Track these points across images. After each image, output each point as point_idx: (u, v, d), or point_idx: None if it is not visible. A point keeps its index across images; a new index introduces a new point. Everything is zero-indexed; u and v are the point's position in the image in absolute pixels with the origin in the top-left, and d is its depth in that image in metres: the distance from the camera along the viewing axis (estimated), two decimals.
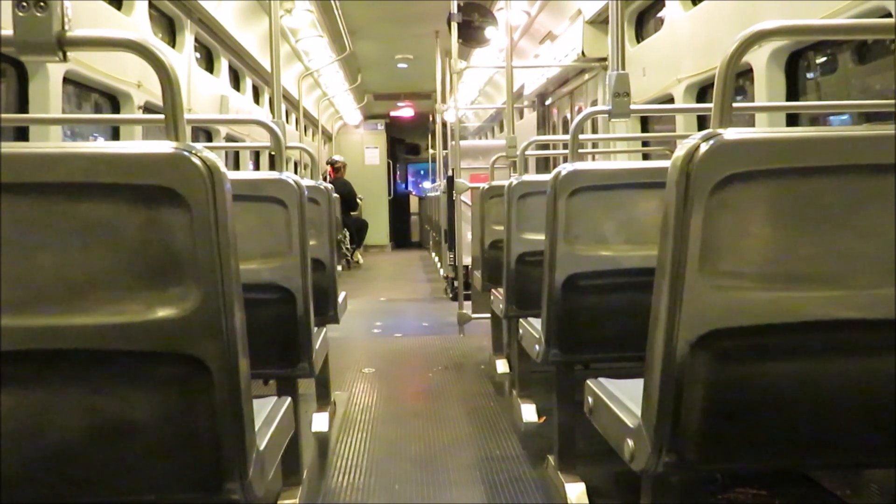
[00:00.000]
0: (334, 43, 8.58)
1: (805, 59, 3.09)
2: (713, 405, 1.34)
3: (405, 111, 15.40)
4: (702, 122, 4.00)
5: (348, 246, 10.99)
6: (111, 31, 1.18)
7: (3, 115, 2.84)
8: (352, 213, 11.30)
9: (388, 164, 16.00)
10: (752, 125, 3.21)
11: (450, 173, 6.64)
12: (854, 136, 1.32)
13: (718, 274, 1.27)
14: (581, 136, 2.40)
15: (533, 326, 2.51)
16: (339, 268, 11.08)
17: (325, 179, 10.63)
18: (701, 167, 1.23)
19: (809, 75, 3.12)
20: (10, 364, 1.14)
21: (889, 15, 2.19)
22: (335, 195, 3.68)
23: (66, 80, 3.27)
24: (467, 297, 5.64)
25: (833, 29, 1.79)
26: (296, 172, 8.80)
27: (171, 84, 1.16)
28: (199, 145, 1.16)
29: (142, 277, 1.15)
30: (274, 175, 2.19)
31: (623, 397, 1.61)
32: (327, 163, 11.58)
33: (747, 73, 3.22)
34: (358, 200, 11.85)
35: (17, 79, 3.00)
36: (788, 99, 3.08)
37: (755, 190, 1.26)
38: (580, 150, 2.40)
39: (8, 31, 1.12)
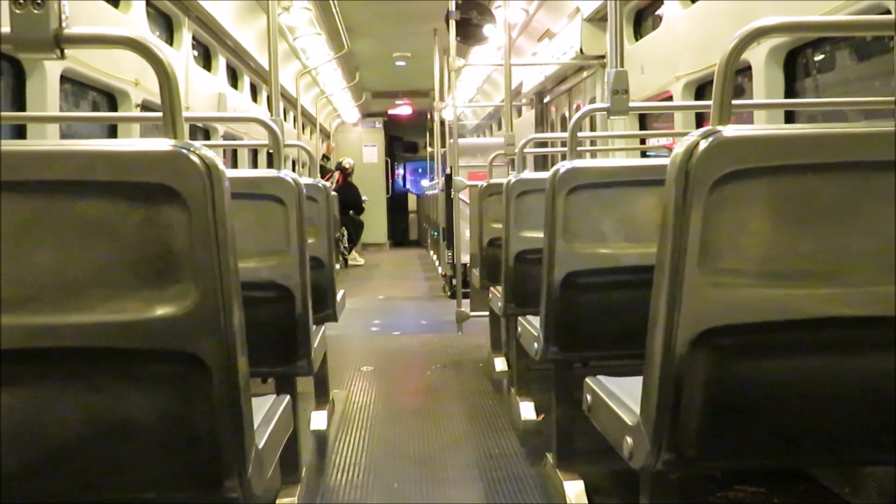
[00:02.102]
0: (332, 41, 8.57)
1: (804, 57, 3.09)
2: (712, 402, 1.34)
3: (403, 109, 15.39)
4: (700, 120, 4.00)
5: (346, 244, 10.97)
6: (109, 29, 1.18)
7: (1, 114, 2.83)
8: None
9: (386, 162, 15.98)
10: (750, 124, 3.21)
11: (448, 171, 6.63)
12: (853, 133, 1.32)
13: (718, 271, 1.27)
14: (579, 134, 2.39)
15: (531, 324, 2.50)
16: (337, 266, 11.05)
17: (331, 182, 10.64)
18: (700, 164, 1.23)
19: (808, 73, 3.12)
20: (8, 363, 1.14)
21: (888, 12, 2.19)
22: (334, 194, 3.68)
23: (64, 79, 3.26)
24: (466, 296, 5.64)
25: (832, 25, 1.79)
26: (293, 171, 8.79)
27: (169, 81, 1.15)
28: (197, 143, 1.16)
29: (140, 275, 1.15)
30: (272, 173, 2.18)
31: (622, 395, 1.61)
32: (336, 168, 11.34)
33: (745, 70, 3.22)
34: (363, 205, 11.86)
35: (14, 77, 2.99)
36: (787, 97, 3.08)
37: (755, 187, 1.26)
38: (578, 148, 2.40)
39: (5, 29, 1.12)
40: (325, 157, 11.81)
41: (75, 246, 1.13)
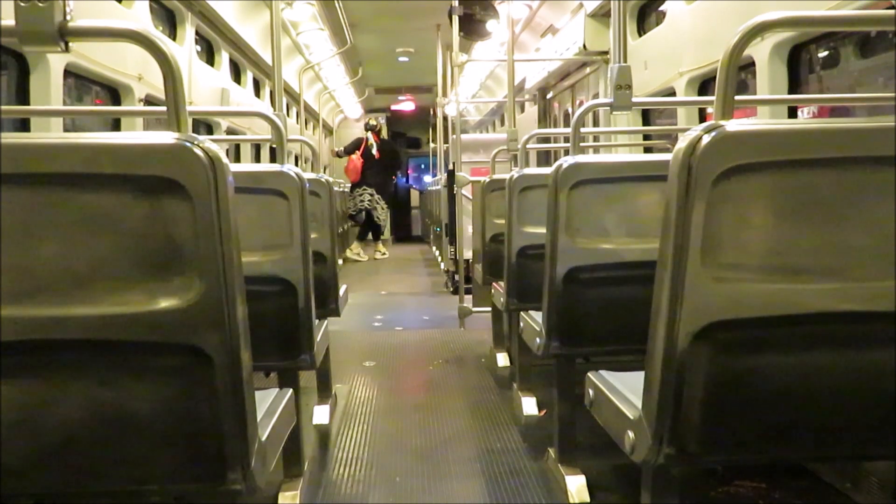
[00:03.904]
0: (335, 36, 8.57)
1: (807, 53, 3.09)
2: (714, 397, 1.34)
3: (406, 105, 15.39)
4: (703, 117, 3.99)
5: (380, 213, 10.65)
6: (113, 22, 1.18)
7: (4, 108, 2.83)
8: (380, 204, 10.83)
9: None
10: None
11: (451, 167, 6.63)
12: (856, 129, 1.32)
13: (719, 266, 1.27)
14: (582, 130, 2.39)
15: (534, 319, 2.51)
16: (381, 254, 11.05)
17: (369, 149, 10.37)
18: (703, 159, 1.23)
19: (811, 69, 3.11)
20: (13, 354, 1.15)
21: (892, 7, 2.19)
22: (343, 190, 3.67)
23: (67, 73, 3.27)
24: (468, 291, 5.65)
25: (835, 20, 1.79)
26: (296, 166, 8.77)
27: (172, 74, 1.16)
28: (201, 136, 1.16)
29: (144, 268, 1.15)
30: (275, 167, 2.18)
31: (624, 389, 1.62)
32: (366, 128, 10.75)
33: (749, 66, 3.21)
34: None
35: (18, 71, 2.99)
36: (790, 93, 3.08)
37: (757, 182, 1.26)
38: (581, 144, 2.40)
39: (10, 22, 1.12)
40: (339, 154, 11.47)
41: (79, 238, 1.14)
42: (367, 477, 2.71)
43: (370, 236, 11.17)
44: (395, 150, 11.20)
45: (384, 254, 11.31)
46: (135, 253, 1.15)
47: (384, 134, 13.63)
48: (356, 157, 10.56)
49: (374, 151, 10.57)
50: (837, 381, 1.37)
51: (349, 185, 10.87)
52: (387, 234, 13.70)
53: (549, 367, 2.54)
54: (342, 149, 11.00)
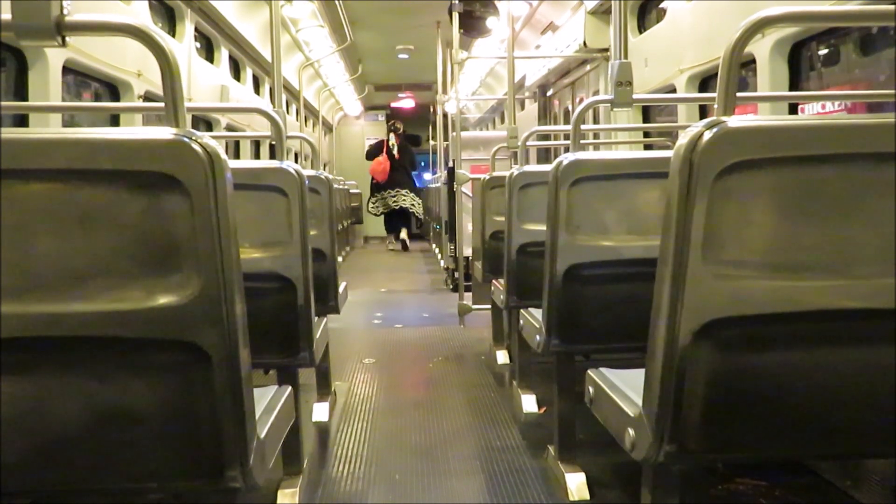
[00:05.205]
0: (335, 33, 8.55)
1: (808, 50, 3.08)
2: (715, 394, 1.34)
3: (406, 102, 15.36)
4: (703, 114, 3.99)
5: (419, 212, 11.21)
6: (110, 16, 1.17)
7: (3, 104, 2.83)
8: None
9: None
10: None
11: (451, 164, 6.62)
12: (858, 125, 1.31)
13: (721, 263, 1.27)
14: (583, 127, 2.39)
15: (534, 317, 2.50)
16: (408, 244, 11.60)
17: (391, 150, 10.58)
18: (704, 155, 1.22)
19: (812, 66, 3.11)
20: (9, 351, 1.14)
21: (894, 2, 2.18)
22: (343, 188, 3.67)
23: (66, 70, 3.26)
24: (468, 289, 5.64)
25: (837, 16, 1.80)
26: (296, 163, 8.74)
27: (171, 70, 1.15)
28: (199, 132, 1.15)
29: (142, 264, 1.14)
30: (275, 164, 2.18)
31: (624, 387, 1.61)
32: (390, 129, 11.17)
33: (750, 63, 3.21)
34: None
35: (16, 67, 2.99)
36: (791, 90, 3.07)
37: (759, 178, 1.25)
38: (581, 141, 2.39)
39: (6, 16, 1.11)
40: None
41: (77, 234, 1.13)
42: (367, 474, 2.71)
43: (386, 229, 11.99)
44: (411, 151, 11.67)
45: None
46: (133, 249, 1.14)
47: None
48: (383, 158, 11.01)
49: (395, 152, 11.06)
50: (839, 378, 1.37)
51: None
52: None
53: (549, 364, 2.53)
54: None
